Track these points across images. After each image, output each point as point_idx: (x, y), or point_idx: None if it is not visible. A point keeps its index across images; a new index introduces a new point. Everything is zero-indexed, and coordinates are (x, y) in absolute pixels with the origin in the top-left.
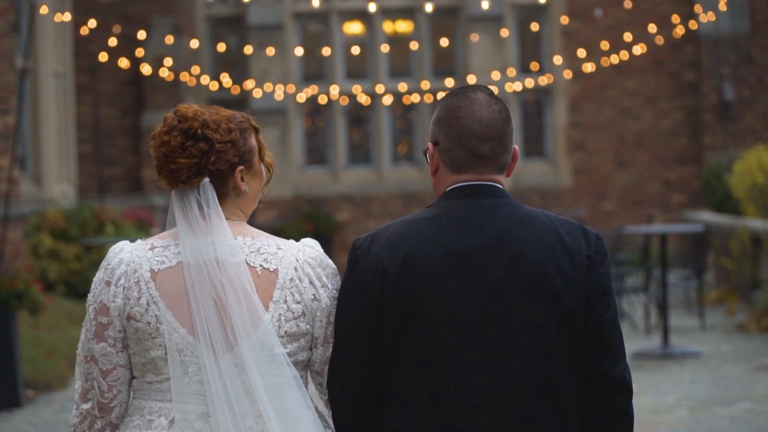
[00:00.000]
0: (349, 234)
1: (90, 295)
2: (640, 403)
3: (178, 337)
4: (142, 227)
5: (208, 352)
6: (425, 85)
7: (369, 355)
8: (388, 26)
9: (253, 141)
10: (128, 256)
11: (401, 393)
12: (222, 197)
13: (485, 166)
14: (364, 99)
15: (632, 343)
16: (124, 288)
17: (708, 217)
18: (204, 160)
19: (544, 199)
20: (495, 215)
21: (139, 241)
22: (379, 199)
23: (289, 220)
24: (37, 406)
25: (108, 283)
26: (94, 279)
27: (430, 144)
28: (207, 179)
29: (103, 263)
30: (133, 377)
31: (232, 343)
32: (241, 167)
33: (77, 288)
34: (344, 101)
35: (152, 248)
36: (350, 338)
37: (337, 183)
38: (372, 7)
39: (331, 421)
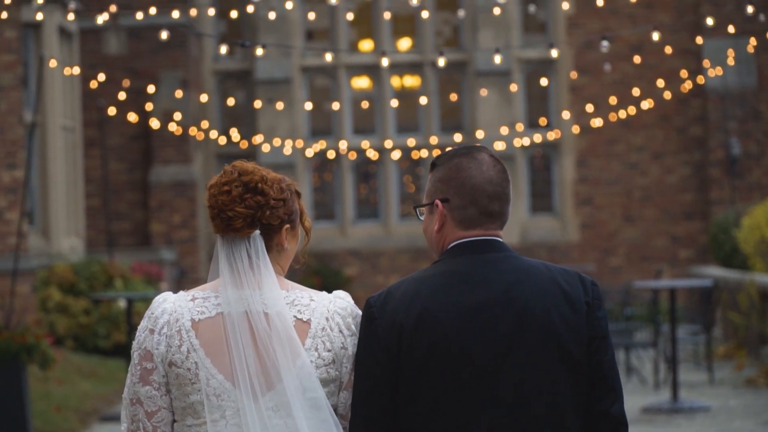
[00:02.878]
0: (357, 289)
1: (135, 342)
2: None
3: (216, 383)
4: (151, 282)
5: (248, 397)
6: (433, 140)
7: (387, 400)
8: (395, 81)
9: (296, 204)
10: (171, 306)
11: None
12: (266, 251)
13: (492, 222)
14: (372, 154)
15: (641, 398)
16: (166, 336)
17: (715, 271)
18: (259, 213)
19: (551, 254)
20: (499, 269)
21: (181, 293)
22: (387, 254)
23: (296, 275)
24: None
25: (152, 331)
26: (139, 327)
27: (437, 201)
28: (258, 231)
29: (147, 312)
30: (174, 420)
31: (273, 383)
32: (287, 225)
33: (86, 342)
34: (352, 156)
35: (193, 299)
36: (368, 389)
37: (344, 238)
38: (385, 62)
39: None
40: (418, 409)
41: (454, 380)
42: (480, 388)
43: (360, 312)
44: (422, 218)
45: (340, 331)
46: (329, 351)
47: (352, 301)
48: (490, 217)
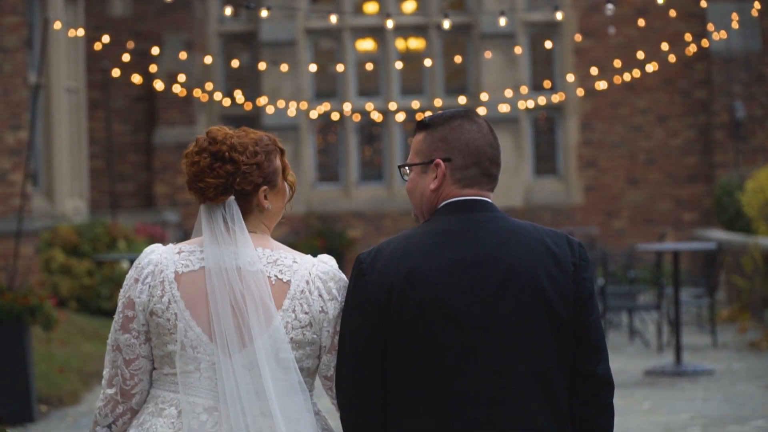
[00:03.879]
0: (361, 250)
1: (121, 290)
2: (653, 420)
3: (193, 335)
4: (154, 243)
5: (224, 352)
6: (438, 102)
7: (375, 360)
8: (400, 43)
9: (277, 162)
10: (157, 257)
11: (407, 393)
12: (246, 213)
13: (488, 184)
14: (376, 116)
15: (644, 361)
16: (149, 286)
17: (719, 235)
18: (230, 180)
19: (555, 216)
20: (488, 228)
21: (170, 245)
22: (391, 216)
23: (300, 237)
24: (51, 422)
25: (136, 281)
26: (126, 276)
27: (439, 160)
28: (232, 197)
29: (135, 262)
30: (153, 368)
31: (246, 341)
32: (264, 187)
33: (89, 304)
34: (356, 118)
35: (179, 252)
36: (357, 345)
37: (348, 200)
38: (389, 24)
39: (336, 426)
40: (406, 367)
41: (442, 338)
42: (468, 346)
43: (343, 277)
44: (406, 178)
45: (320, 295)
46: (306, 314)
47: (335, 266)
48: (488, 178)
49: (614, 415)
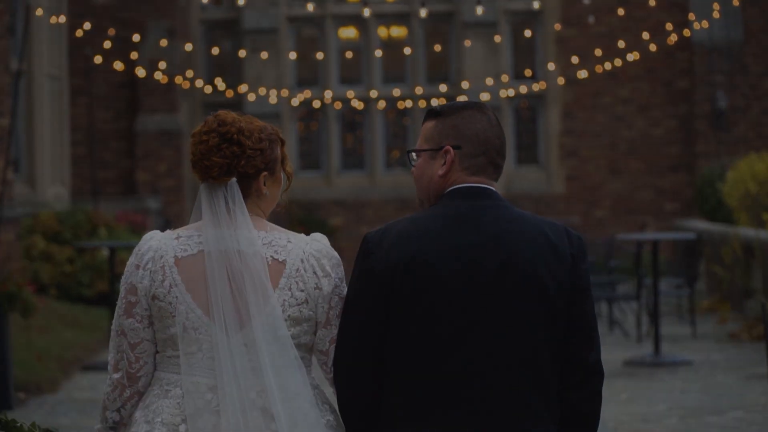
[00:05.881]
0: (343, 239)
1: (123, 277)
2: (631, 410)
3: (195, 317)
4: (136, 230)
5: (221, 332)
6: (419, 90)
7: (376, 337)
8: (382, 31)
9: (278, 151)
10: (156, 243)
11: (402, 370)
12: (245, 197)
13: (494, 173)
14: (357, 104)
15: (623, 351)
16: (150, 271)
17: (700, 225)
18: (235, 162)
19: (536, 205)
20: (491, 215)
21: (168, 231)
22: (373, 205)
23: (282, 224)
24: (29, 409)
25: (137, 267)
26: (127, 263)
27: (449, 147)
28: (234, 179)
29: (135, 249)
30: (156, 352)
31: (245, 321)
32: (265, 173)
33: (69, 291)
34: (338, 106)
35: (178, 238)
36: (360, 321)
37: (330, 188)
38: (366, 12)
39: (332, 398)
40: (403, 344)
41: (439, 319)
42: (462, 328)
43: (336, 254)
44: (414, 163)
45: (315, 273)
46: (302, 291)
47: (328, 243)
48: (494, 168)
49: (602, 403)
